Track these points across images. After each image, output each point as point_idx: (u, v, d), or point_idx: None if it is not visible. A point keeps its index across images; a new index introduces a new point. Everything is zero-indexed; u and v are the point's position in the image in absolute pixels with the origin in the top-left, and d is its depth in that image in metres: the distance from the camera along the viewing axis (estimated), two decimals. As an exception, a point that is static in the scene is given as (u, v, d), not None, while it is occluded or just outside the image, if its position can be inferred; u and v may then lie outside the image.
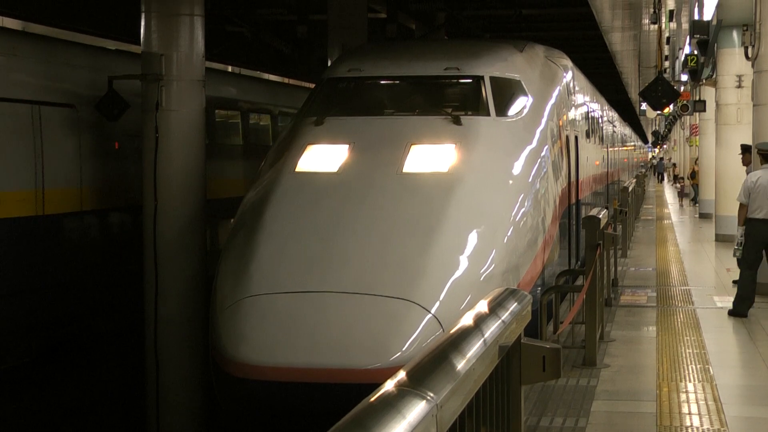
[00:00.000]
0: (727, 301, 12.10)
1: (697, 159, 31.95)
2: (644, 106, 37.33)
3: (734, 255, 11.62)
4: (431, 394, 2.30)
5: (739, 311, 11.25)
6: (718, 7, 17.50)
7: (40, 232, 12.20)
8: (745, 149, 13.88)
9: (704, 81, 24.01)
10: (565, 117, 12.30)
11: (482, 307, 3.41)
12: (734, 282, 13.79)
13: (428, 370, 2.50)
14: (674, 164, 67.35)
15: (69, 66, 13.46)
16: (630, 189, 21.93)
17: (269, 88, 21.79)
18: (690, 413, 7.19)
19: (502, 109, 9.98)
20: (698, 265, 16.79)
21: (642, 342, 9.99)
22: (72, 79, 13.39)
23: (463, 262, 7.92)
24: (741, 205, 11.39)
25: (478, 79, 10.22)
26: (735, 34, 20.16)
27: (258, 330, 7.31)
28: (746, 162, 13.62)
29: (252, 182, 9.63)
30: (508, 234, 8.50)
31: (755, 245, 11.28)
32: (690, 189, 36.25)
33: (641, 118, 64.41)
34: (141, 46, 12.27)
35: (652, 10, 18.95)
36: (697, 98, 28.16)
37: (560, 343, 9.32)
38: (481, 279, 7.86)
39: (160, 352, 12.02)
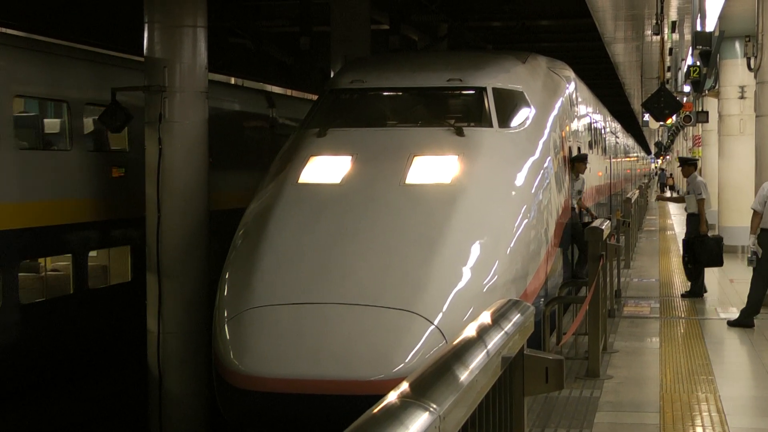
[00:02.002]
0: (731, 312, 12.08)
1: None
2: (647, 117, 37.30)
3: (749, 264, 11.49)
4: (434, 406, 2.30)
5: (745, 322, 11.17)
6: (721, 18, 17.51)
7: None
8: (684, 162, 14.49)
9: (707, 92, 23.98)
10: (567, 128, 12.31)
11: (485, 318, 3.40)
12: (683, 295, 13.86)
13: (431, 381, 2.50)
14: (671, 175, 67.35)
15: None
16: (633, 200, 21.92)
17: None
18: (693, 425, 7.18)
19: (504, 121, 9.98)
20: (701, 276, 16.76)
21: (645, 353, 9.97)
22: None
23: (466, 273, 7.92)
24: (755, 212, 11.21)
25: (481, 91, 10.23)
26: (737, 45, 20.16)
27: (261, 341, 7.31)
28: (686, 174, 14.10)
29: (255, 193, 9.64)
30: (511, 245, 8.50)
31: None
32: None
33: (644, 129, 64.37)
34: (144, 57, 12.30)
35: (654, 22, 18.92)
36: (700, 109, 28.13)
37: (563, 354, 9.30)
38: (484, 290, 7.86)
39: (163, 363, 12.02)
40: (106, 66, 14.30)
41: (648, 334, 11.04)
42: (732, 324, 11.27)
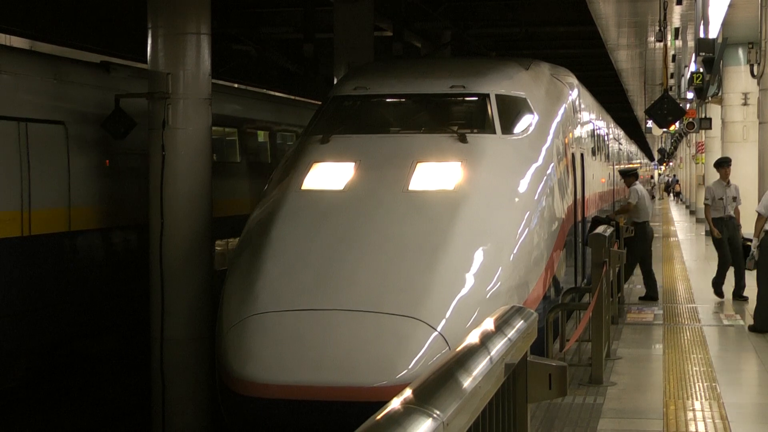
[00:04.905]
0: (735, 319, 12.06)
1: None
2: (650, 123, 37.29)
3: (748, 268, 11.45)
4: (437, 412, 2.30)
5: (760, 327, 11.11)
6: (724, 25, 17.51)
7: None
8: (625, 173, 15.23)
9: (710, 99, 24.01)
10: (570, 134, 12.31)
11: (488, 324, 3.40)
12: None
13: (434, 387, 2.50)
14: (677, 181, 67.42)
15: None
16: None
17: None
18: (697, 431, 7.17)
19: (507, 127, 9.99)
20: (705, 282, 16.71)
21: (648, 360, 9.97)
22: None
23: (470, 279, 7.92)
24: (759, 216, 11.19)
25: (484, 97, 10.24)
26: (741, 52, 20.19)
27: (264, 348, 7.31)
28: (629, 185, 14.81)
29: (258, 200, 9.65)
30: (514, 252, 8.50)
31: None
32: None
33: (647, 136, 64.42)
34: (147, 65, 12.31)
35: (657, 28, 18.99)
36: (703, 116, 28.16)
37: (566, 360, 9.30)
38: (487, 297, 7.86)
39: (165, 370, 12.01)
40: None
41: (651, 340, 11.03)
42: (751, 329, 11.20)
